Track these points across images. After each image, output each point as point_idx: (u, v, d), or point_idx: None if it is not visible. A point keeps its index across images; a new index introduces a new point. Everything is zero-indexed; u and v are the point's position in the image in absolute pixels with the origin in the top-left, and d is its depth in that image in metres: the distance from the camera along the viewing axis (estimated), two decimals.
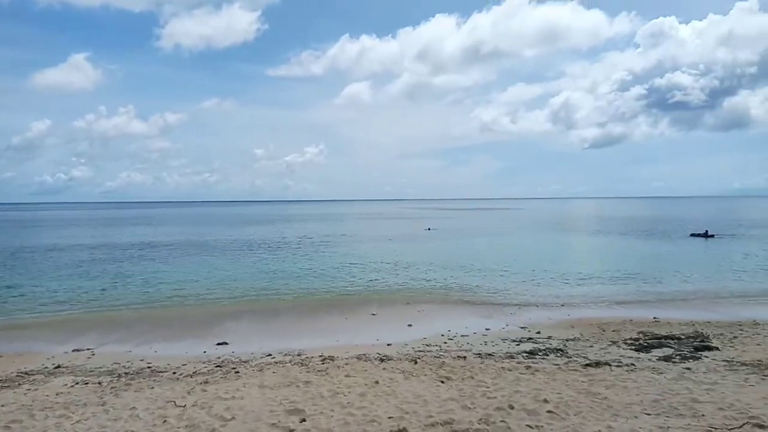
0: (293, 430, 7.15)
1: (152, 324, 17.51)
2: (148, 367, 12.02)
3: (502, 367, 10.80)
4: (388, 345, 13.95)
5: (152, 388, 9.87)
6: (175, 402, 8.69)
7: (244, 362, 12.28)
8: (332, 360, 11.89)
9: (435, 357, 12.07)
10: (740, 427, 6.97)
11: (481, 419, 7.19)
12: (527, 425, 7.00)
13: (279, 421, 7.47)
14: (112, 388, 9.99)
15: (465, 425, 6.96)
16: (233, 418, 7.71)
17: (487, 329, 15.93)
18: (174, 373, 11.30)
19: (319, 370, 10.82)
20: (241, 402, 8.60)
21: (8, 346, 14.89)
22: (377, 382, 9.56)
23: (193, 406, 8.43)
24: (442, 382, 9.61)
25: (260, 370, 11.15)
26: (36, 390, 9.96)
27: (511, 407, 7.74)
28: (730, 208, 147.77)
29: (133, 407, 8.49)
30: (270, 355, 13.05)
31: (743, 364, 10.86)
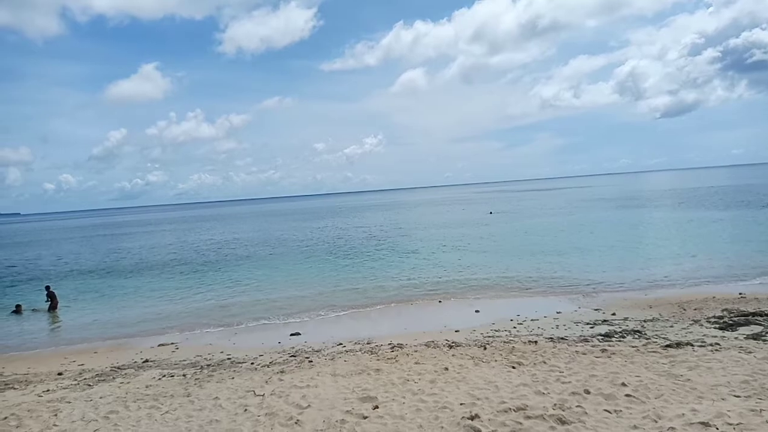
0: (367, 416, 7.31)
1: (230, 318, 18.37)
2: (228, 359, 12.62)
3: (576, 351, 10.52)
4: (456, 331, 13.91)
5: (233, 378, 10.37)
6: (254, 391, 9.11)
7: (317, 351, 12.63)
8: (401, 348, 12.01)
9: (504, 342, 11.92)
10: None
11: (555, 404, 7.06)
12: (605, 410, 6.79)
13: (353, 408, 7.66)
14: (195, 379, 10.58)
15: (539, 411, 6.85)
16: (309, 405, 7.98)
17: (558, 312, 15.54)
18: (252, 363, 11.82)
19: (388, 358, 10.97)
20: (315, 390, 8.88)
21: (102, 342, 16.13)
22: (447, 369, 9.58)
23: (271, 394, 8.79)
24: (513, 367, 9.49)
25: (332, 359, 11.45)
26: (128, 383, 10.72)
27: (587, 392, 7.54)
28: None
29: (216, 397, 8.97)
30: (341, 344, 13.35)
31: None
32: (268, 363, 11.68)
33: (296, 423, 7.34)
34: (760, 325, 12.04)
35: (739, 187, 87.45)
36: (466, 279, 22.81)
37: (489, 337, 12.93)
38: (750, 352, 9.59)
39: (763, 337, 10.85)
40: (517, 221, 53.37)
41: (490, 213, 67.34)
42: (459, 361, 10.30)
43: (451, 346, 11.84)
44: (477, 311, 16.44)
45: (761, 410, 6.53)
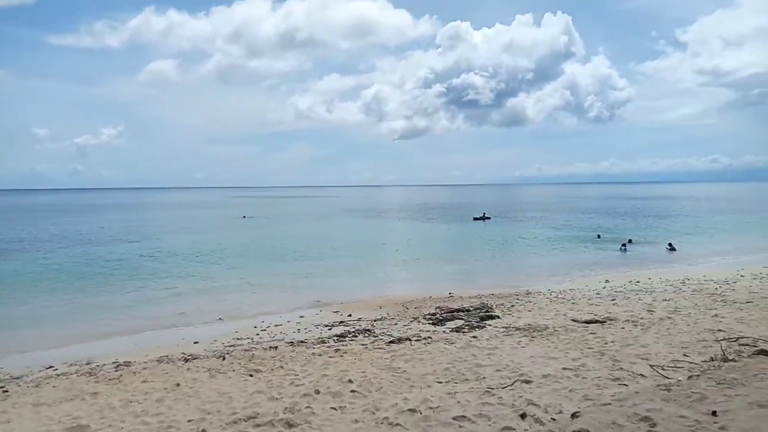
0: None
1: None
2: None
3: (313, 353, 10.96)
4: (195, 343, 13.17)
5: None
6: None
7: (16, 379, 10.52)
8: (128, 366, 10.83)
9: (245, 350, 11.76)
10: (512, 384, 8.09)
11: (286, 408, 7.19)
12: (331, 407, 7.19)
13: None
14: None
15: (269, 417, 6.88)
16: None
17: (301, 316, 16.02)
18: None
19: (110, 379, 9.76)
20: (7, 426, 7.33)
21: None
22: (178, 385, 8.95)
23: None
24: (251, 375, 9.39)
25: (37, 386, 9.68)
26: None
27: (318, 392, 7.89)
28: (510, 194, 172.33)
29: None
30: (51, 367, 11.38)
31: (518, 328, 12.61)
32: None
33: None
34: (462, 319, 14.39)
35: (455, 205, 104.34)
36: (213, 285, 21.93)
37: (230, 346, 12.59)
38: (452, 343, 11.35)
39: (463, 330, 12.97)
40: (270, 227, 53.78)
41: (244, 217, 66.56)
42: (193, 374, 9.74)
43: (187, 360, 11.17)
44: (220, 319, 15.88)
45: (455, 393, 7.73)
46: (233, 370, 9.85)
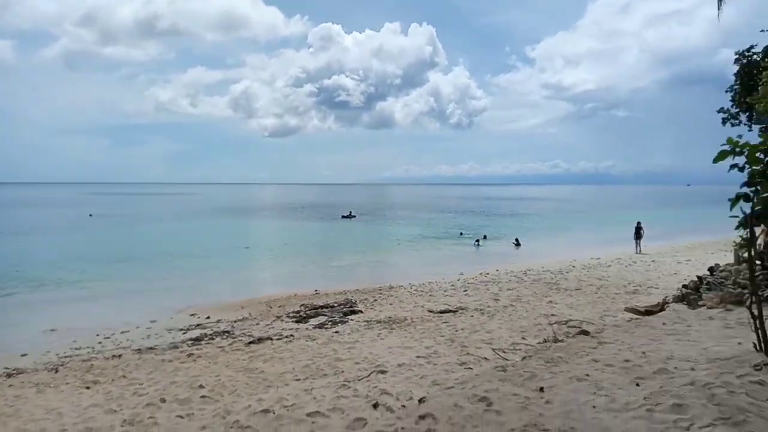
0: None
1: None
2: None
3: (163, 360, 10.24)
4: (23, 356, 11.57)
5: None
6: None
7: None
8: None
9: (83, 361, 10.63)
10: (368, 376, 8.25)
11: (125, 420, 6.59)
12: (177, 416, 6.74)
13: None
14: None
15: (105, 431, 6.26)
16: None
17: (152, 321, 14.83)
18: None
19: None
20: None
21: None
22: None
23: None
24: (87, 387, 8.50)
25: None
26: None
27: (163, 400, 7.36)
28: (379, 194, 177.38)
29: None
30: None
31: (378, 321, 12.97)
32: None
33: None
34: (326, 315, 14.41)
35: (325, 203, 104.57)
36: (43, 290, 19.55)
37: (66, 357, 11.30)
38: (314, 339, 11.32)
39: (325, 326, 13.00)
40: (120, 227, 49.39)
41: (90, 216, 60.37)
42: (17, 391, 8.57)
43: (10, 375, 9.81)
44: (52, 330, 14.07)
45: (312, 389, 7.68)
46: (67, 384, 8.84)
